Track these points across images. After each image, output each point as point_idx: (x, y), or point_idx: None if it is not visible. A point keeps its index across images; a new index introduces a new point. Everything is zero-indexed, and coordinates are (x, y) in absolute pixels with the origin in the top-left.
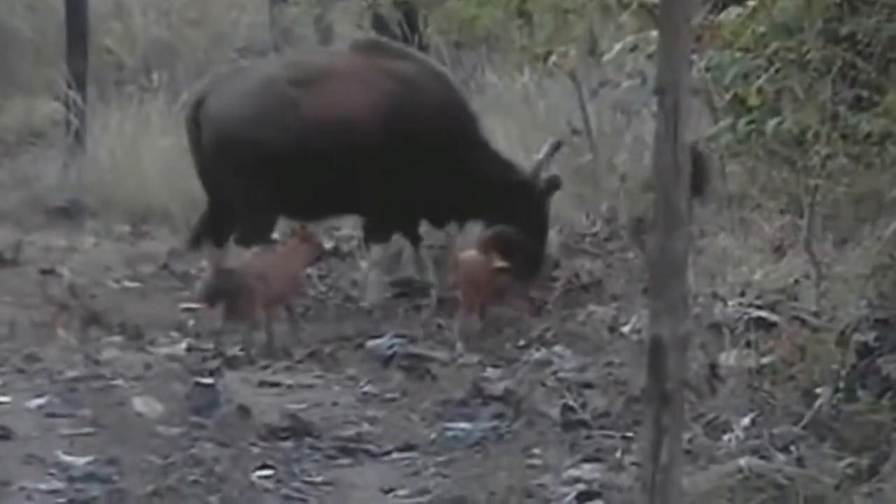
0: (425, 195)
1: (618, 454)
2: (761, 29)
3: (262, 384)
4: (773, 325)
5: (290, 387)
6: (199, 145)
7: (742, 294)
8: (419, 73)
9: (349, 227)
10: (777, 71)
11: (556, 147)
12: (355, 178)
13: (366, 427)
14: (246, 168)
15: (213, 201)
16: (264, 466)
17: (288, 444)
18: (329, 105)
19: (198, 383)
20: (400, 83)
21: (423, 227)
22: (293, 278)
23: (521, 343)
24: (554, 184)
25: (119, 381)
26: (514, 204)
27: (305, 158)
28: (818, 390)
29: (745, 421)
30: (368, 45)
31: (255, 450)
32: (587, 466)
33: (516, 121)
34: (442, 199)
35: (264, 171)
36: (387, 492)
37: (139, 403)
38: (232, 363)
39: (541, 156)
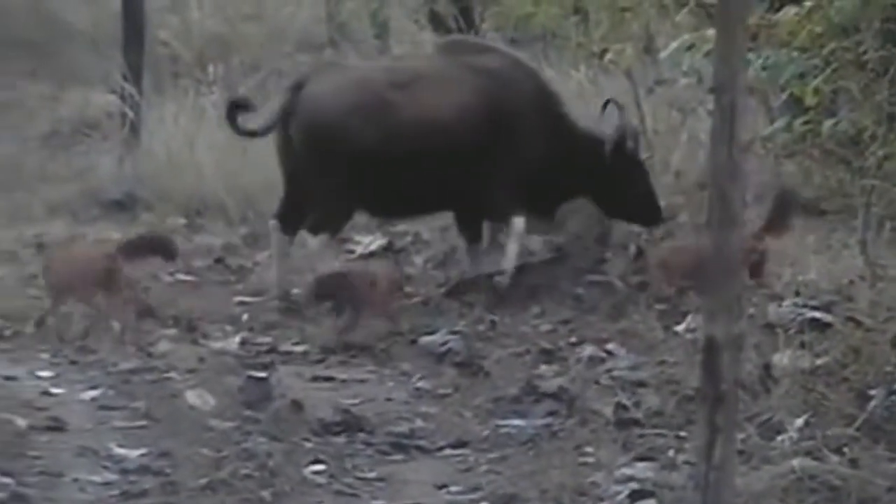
0: (524, 186)
1: (671, 453)
2: (818, 28)
3: (315, 379)
4: (828, 325)
5: (343, 381)
6: (286, 131)
7: (797, 294)
8: (506, 67)
9: (403, 223)
10: (834, 71)
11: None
12: (449, 176)
13: (418, 423)
14: (333, 161)
15: (289, 187)
16: (317, 461)
17: (340, 439)
18: (423, 107)
19: (251, 377)
20: (489, 78)
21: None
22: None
23: (575, 340)
24: (633, 135)
25: (172, 374)
26: (614, 173)
27: (397, 158)
28: (872, 392)
29: (799, 422)
30: (453, 44)
31: (308, 444)
32: (640, 465)
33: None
34: (541, 188)
35: (351, 167)
36: (439, 488)
37: (192, 396)
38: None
39: (619, 120)
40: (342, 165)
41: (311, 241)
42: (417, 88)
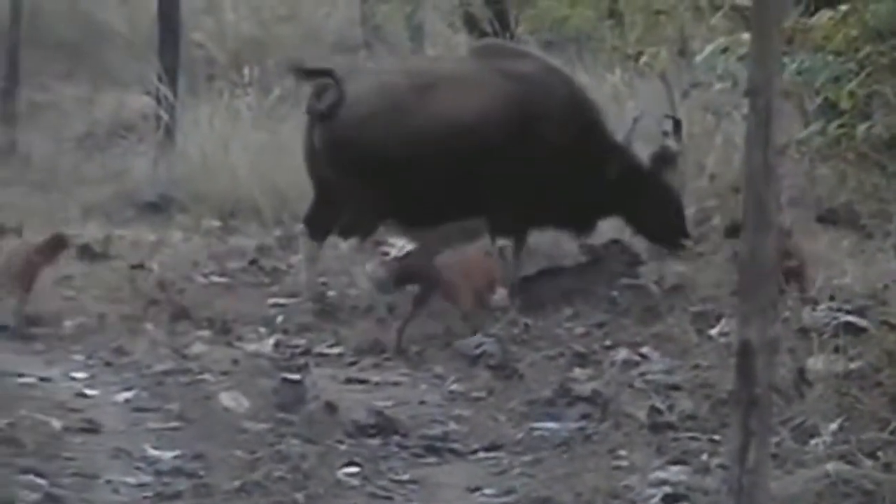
0: (554, 195)
1: (705, 457)
2: (853, 32)
3: (349, 381)
4: (863, 329)
5: (377, 384)
6: (311, 136)
7: (831, 298)
8: (540, 72)
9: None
10: (868, 74)
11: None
12: (477, 182)
13: (452, 426)
14: (355, 168)
15: (318, 193)
16: (350, 464)
17: (374, 441)
18: (448, 112)
19: (285, 379)
20: (520, 84)
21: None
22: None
23: (609, 344)
24: (671, 156)
25: (207, 376)
26: (648, 192)
27: (421, 164)
28: None
29: (833, 426)
30: (486, 48)
31: (342, 447)
32: (674, 469)
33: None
34: (572, 198)
35: (374, 173)
36: (472, 491)
37: (226, 398)
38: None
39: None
40: (365, 171)
41: (342, 246)
42: (442, 93)
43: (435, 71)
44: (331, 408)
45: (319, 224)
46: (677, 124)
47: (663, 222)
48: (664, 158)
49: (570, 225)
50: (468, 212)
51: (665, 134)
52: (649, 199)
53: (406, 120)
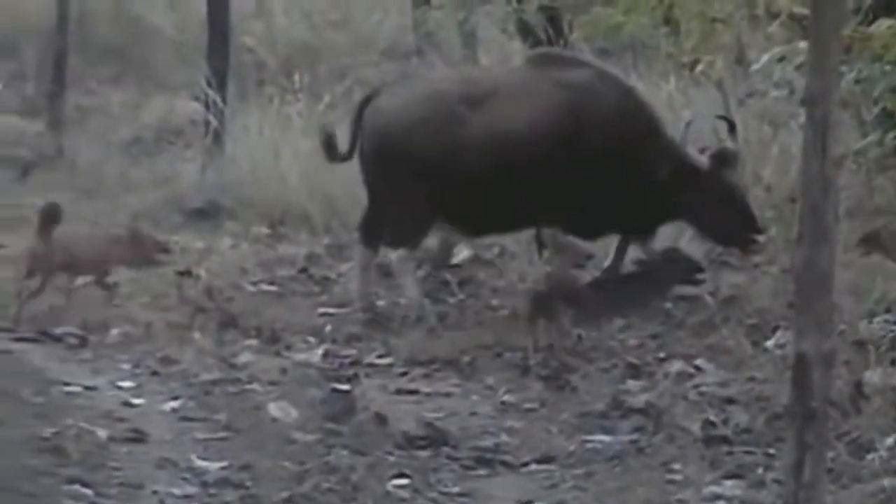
0: (613, 204)
1: (760, 471)
2: None
3: (399, 391)
4: None
5: (427, 395)
6: (361, 145)
7: (888, 311)
8: (595, 82)
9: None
10: None
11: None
12: (529, 193)
13: (503, 437)
14: (402, 177)
15: (370, 202)
16: (400, 475)
17: (424, 453)
18: (496, 121)
19: (334, 389)
20: (574, 93)
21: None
22: None
23: (663, 355)
24: (731, 156)
25: (255, 386)
26: (710, 192)
27: (470, 174)
28: None
29: (890, 440)
30: (541, 57)
31: (391, 458)
32: (728, 483)
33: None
34: (630, 205)
35: (421, 182)
36: None
37: (275, 409)
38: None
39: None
40: (411, 180)
41: (392, 255)
42: (491, 102)
43: (488, 80)
44: (380, 419)
45: (373, 231)
46: (732, 126)
47: (730, 221)
48: (724, 158)
49: (629, 231)
50: (522, 222)
51: (719, 136)
52: (713, 199)
53: (448, 128)
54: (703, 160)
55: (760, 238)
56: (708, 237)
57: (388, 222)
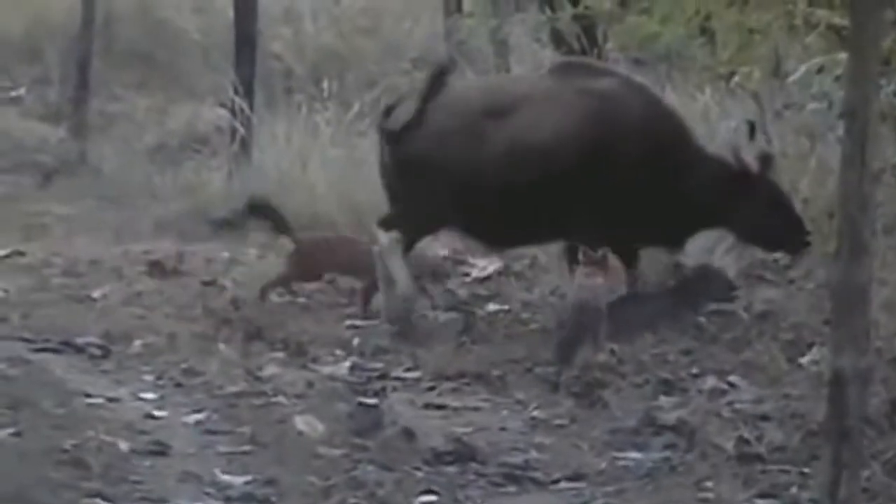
0: (643, 216)
1: (794, 490)
2: None
3: (427, 406)
4: None
5: (456, 409)
6: (382, 154)
7: None
8: (623, 91)
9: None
10: None
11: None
12: (554, 206)
13: (533, 454)
14: (419, 187)
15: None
16: (428, 491)
17: (453, 469)
18: (519, 132)
19: (361, 403)
20: (600, 103)
21: None
22: None
23: (696, 371)
24: (768, 161)
25: (280, 399)
26: (749, 196)
27: (493, 186)
28: None
29: None
30: (567, 65)
31: (419, 474)
32: (762, 502)
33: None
34: (665, 217)
35: (443, 194)
36: None
37: (300, 422)
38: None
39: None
40: (434, 190)
41: (382, 238)
42: (516, 115)
43: (511, 89)
44: (408, 434)
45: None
46: (752, 127)
47: (777, 225)
48: (766, 161)
49: (658, 244)
50: (547, 235)
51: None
52: (758, 204)
53: (478, 140)
54: (746, 164)
55: (809, 241)
56: (754, 243)
57: (398, 210)
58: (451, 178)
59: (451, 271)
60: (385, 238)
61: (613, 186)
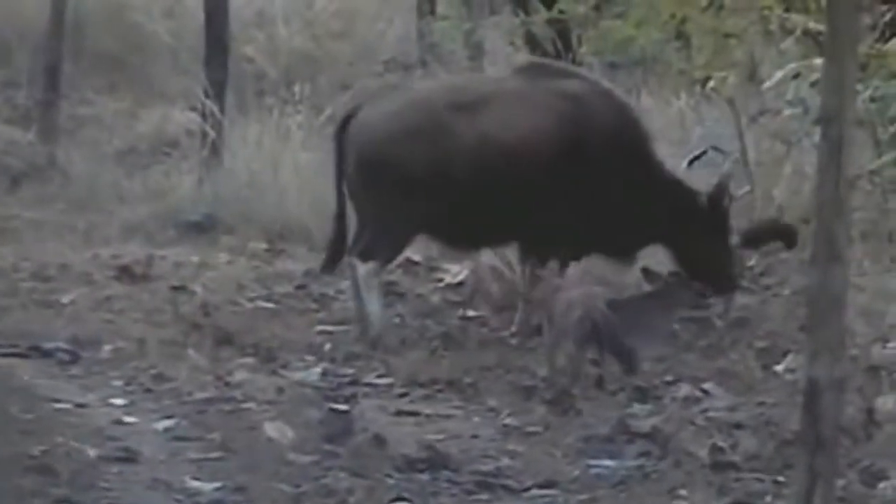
0: (595, 221)
1: (768, 499)
2: None
3: (399, 413)
4: None
5: (428, 416)
6: (342, 159)
7: None
8: (587, 94)
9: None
10: None
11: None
12: (515, 206)
13: (506, 461)
14: (386, 188)
15: (358, 218)
16: (399, 499)
17: (424, 476)
18: (485, 131)
19: (332, 410)
20: (565, 103)
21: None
22: None
23: (670, 379)
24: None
25: (250, 405)
26: (695, 223)
27: (457, 186)
28: None
29: None
30: (531, 66)
31: (390, 481)
32: None
33: (671, 146)
34: (614, 225)
35: (406, 196)
36: None
37: (271, 429)
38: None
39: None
40: (396, 194)
41: (360, 269)
42: (480, 112)
43: (474, 91)
44: (379, 440)
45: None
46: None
47: (712, 263)
48: (721, 193)
49: (610, 253)
50: (503, 237)
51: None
52: (699, 234)
53: (436, 140)
54: (698, 190)
55: (735, 287)
56: (684, 270)
57: (368, 233)
58: (416, 177)
59: (425, 277)
60: (363, 269)
61: (567, 189)
